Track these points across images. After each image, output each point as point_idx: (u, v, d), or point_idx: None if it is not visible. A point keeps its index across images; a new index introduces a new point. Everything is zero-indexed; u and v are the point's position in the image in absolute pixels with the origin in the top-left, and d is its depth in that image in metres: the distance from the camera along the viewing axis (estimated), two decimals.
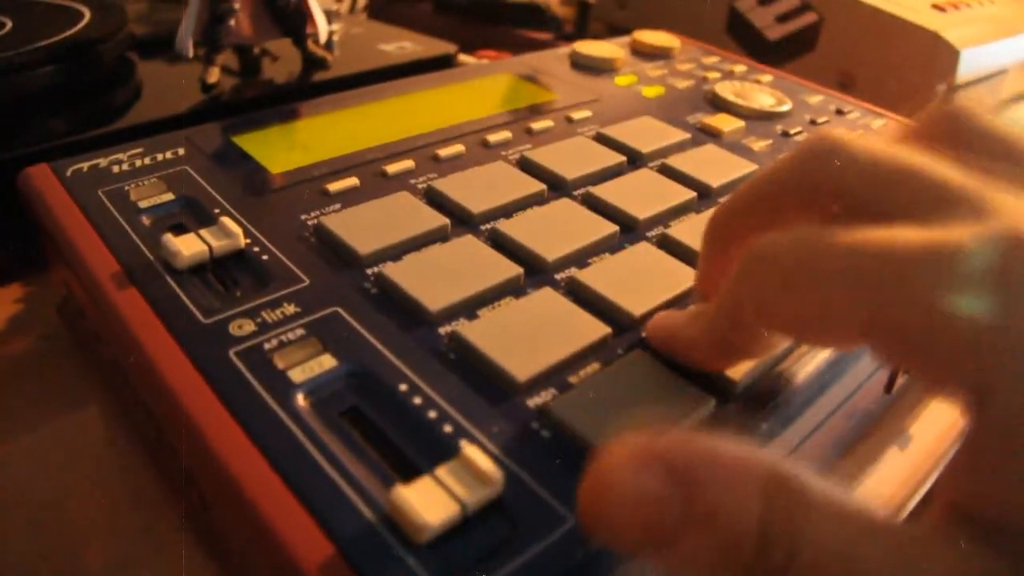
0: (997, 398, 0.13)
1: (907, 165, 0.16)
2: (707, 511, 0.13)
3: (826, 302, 0.15)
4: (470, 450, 0.17)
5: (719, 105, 0.37)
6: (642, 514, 0.13)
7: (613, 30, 0.61)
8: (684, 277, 0.23)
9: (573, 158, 0.30)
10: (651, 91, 0.39)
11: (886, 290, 0.14)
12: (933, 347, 0.14)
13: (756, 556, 0.13)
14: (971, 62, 0.46)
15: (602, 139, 0.32)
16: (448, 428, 0.18)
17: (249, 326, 0.21)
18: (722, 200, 0.21)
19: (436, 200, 0.27)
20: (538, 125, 0.33)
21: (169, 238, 0.23)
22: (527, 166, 0.30)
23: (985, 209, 0.14)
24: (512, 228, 0.25)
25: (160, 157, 0.29)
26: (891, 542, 0.13)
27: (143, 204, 0.26)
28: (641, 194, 0.28)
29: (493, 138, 0.32)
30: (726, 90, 0.38)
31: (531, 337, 0.21)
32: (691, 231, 0.26)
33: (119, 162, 0.28)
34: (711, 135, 0.34)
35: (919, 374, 0.15)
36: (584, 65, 0.41)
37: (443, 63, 0.45)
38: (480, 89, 0.37)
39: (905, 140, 0.17)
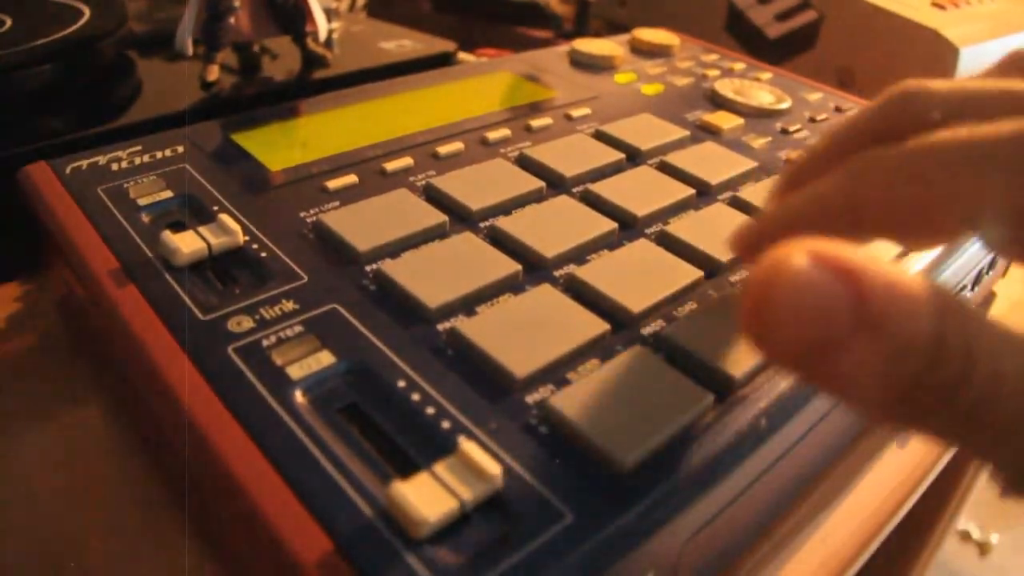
0: None
1: (982, 85, 0.16)
2: (878, 317, 0.13)
3: (935, 191, 0.15)
4: (468, 446, 0.17)
5: (718, 103, 0.37)
6: (811, 314, 0.13)
7: (613, 28, 0.61)
8: (683, 274, 0.23)
9: (572, 155, 0.30)
10: (650, 89, 0.39)
11: (1002, 172, 0.14)
12: None
13: (929, 366, 0.13)
14: (971, 60, 0.46)
15: (601, 136, 0.32)
16: (446, 424, 0.18)
17: (248, 323, 0.21)
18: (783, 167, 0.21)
19: (435, 197, 0.27)
20: (537, 122, 0.33)
21: (168, 235, 0.23)
22: (526, 163, 0.30)
23: None
24: (511, 225, 0.25)
25: (159, 155, 0.29)
26: None
27: (142, 202, 0.26)
28: (640, 191, 0.28)
29: (492, 136, 0.32)
30: (725, 88, 0.38)
31: (530, 334, 0.21)
32: (690, 228, 0.26)
33: (118, 160, 0.28)
34: (710, 132, 0.34)
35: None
36: (583, 63, 0.41)
37: (443, 61, 0.45)
38: (479, 87, 0.37)
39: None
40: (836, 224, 0.17)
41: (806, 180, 0.19)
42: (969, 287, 0.31)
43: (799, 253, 0.13)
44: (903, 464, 0.28)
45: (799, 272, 0.13)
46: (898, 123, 0.17)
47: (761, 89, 0.38)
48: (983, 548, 0.87)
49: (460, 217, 0.26)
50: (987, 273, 0.33)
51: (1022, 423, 0.13)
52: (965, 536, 0.87)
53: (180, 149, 0.29)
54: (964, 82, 0.17)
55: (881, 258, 0.13)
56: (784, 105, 0.37)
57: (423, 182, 0.28)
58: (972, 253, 0.29)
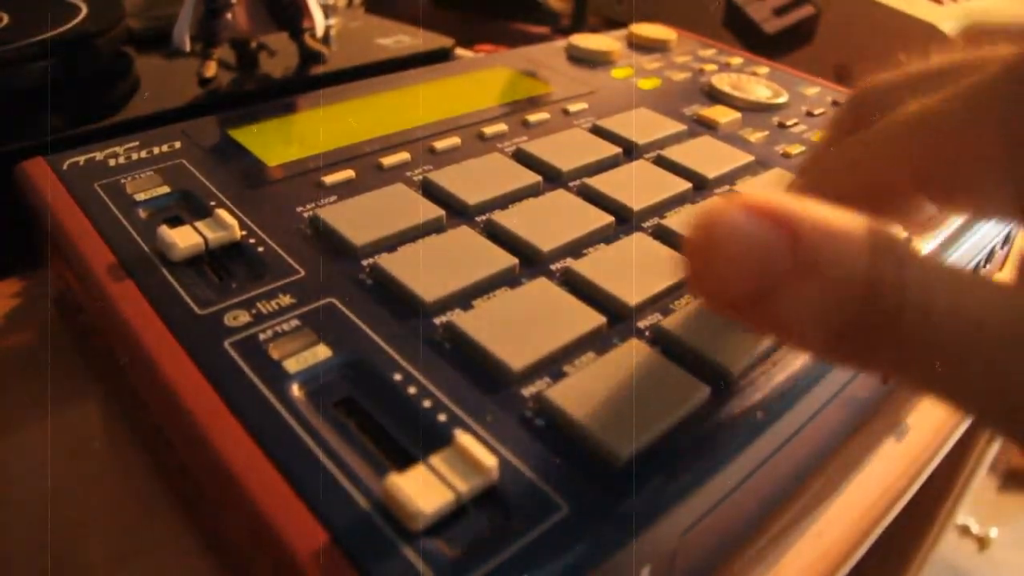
0: None
1: (925, 65, 0.18)
2: (814, 257, 0.13)
3: (886, 159, 0.17)
4: (464, 439, 0.17)
5: (715, 97, 0.37)
6: (749, 260, 0.13)
7: (610, 23, 0.61)
8: (679, 267, 0.23)
9: (569, 150, 0.30)
10: (647, 83, 0.39)
11: (932, 130, 0.15)
12: (976, 165, 0.15)
13: (863, 304, 0.13)
14: None
15: (598, 131, 0.32)
16: (442, 417, 0.18)
17: (244, 317, 0.21)
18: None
19: (432, 192, 0.27)
20: (534, 117, 0.33)
21: (165, 230, 0.23)
22: (523, 158, 0.30)
23: (1011, 48, 0.15)
24: (507, 219, 0.25)
25: (156, 150, 0.29)
26: (998, 293, 0.13)
27: (139, 197, 0.26)
28: (636, 185, 0.28)
29: (489, 130, 0.32)
30: (723, 82, 0.38)
31: (526, 327, 0.21)
32: (686, 222, 0.26)
33: (115, 155, 0.28)
34: (707, 127, 0.34)
35: (976, 205, 0.16)
36: (581, 58, 0.41)
37: (440, 57, 0.45)
38: (476, 82, 0.37)
39: None
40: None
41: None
42: (983, 262, 0.31)
43: (732, 204, 0.14)
44: (901, 458, 0.28)
45: (733, 221, 0.14)
46: (859, 118, 0.19)
47: (758, 84, 0.38)
48: (982, 542, 0.87)
49: (457, 211, 0.26)
50: (1000, 248, 0.33)
51: (956, 352, 0.13)
52: (964, 530, 0.87)
53: (177, 145, 0.29)
54: (908, 67, 0.18)
55: (816, 204, 0.14)
56: (781, 99, 0.37)
57: (420, 177, 0.28)
58: (985, 231, 0.29)
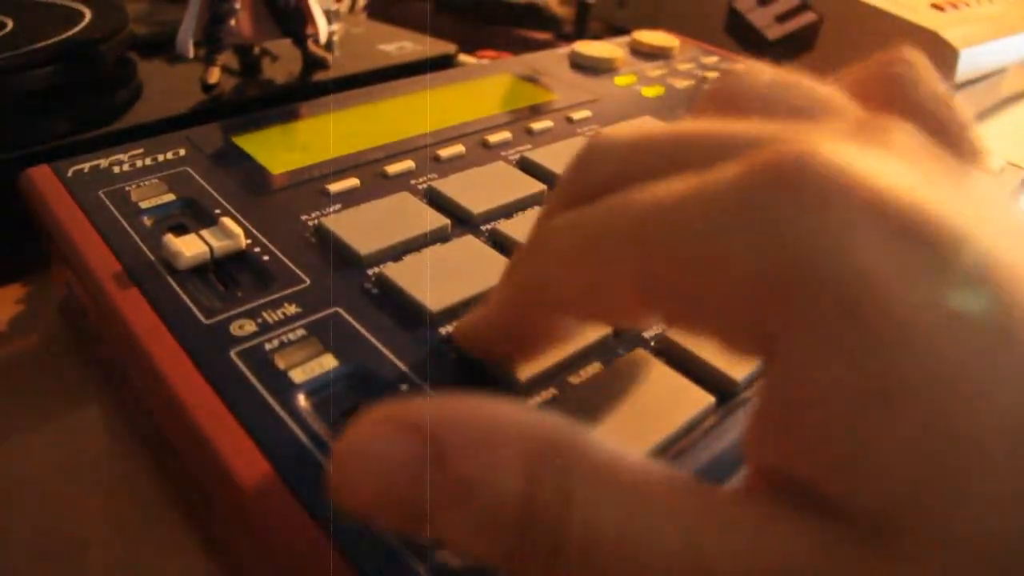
0: (782, 346, 0.11)
1: (667, 132, 0.15)
2: (461, 482, 0.11)
3: (601, 266, 0.14)
4: None
5: None
6: (392, 484, 0.12)
7: (613, 30, 0.61)
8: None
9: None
10: (651, 91, 0.39)
11: (651, 242, 0.12)
12: (706, 298, 0.12)
13: (517, 538, 0.11)
14: (970, 61, 0.46)
15: None
16: None
17: (250, 326, 0.21)
18: None
19: (436, 200, 0.27)
20: (538, 125, 0.33)
21: (170, 239, 0.23)
22: (527, 166, 0.30)
23: (759, 144, 0.12)
24: (512, 228, 0.25)
25: (161, 158, 0.29)
26: (676, 513, 0.11)
27: (144, 205, 0.26)
28: None
29: (493, 138, 0.32)
30: None
31: None
32: None
33: (120, 163, 0.28)
34: None
35: (705, 332, 0.13)
36: (584, 65, 0.41)
37: (443, 63, 0.45)
38: (480, 89, 0.37)
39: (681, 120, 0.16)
40: (536, 311, 0.16)
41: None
42: None
43: (377, 416, 0.12)
44: None
45: (373, 438, 0.12)
46: (584, 185, 0.16)
47: None
48: None
49: (462, 220, 0.26)
50: None
51: None
52: None
53: (182, 152, 0.29)
54: (645, 130, 0.15)
55: (472, 403, 0.12)
56: None
57: (424, 185, 0.28)
58: None
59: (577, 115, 0.35)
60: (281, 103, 0.34)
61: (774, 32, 0.53)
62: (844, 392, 0.10)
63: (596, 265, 0.14)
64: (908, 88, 0.15)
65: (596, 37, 0.49)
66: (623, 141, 0.15)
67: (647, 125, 0.16)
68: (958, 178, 0.12)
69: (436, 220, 0.25)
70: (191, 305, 0.21)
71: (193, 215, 0.26)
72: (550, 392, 0.19)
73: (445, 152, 0.30)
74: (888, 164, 0.11)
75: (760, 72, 0.16)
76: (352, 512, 0.12)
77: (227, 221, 0.24)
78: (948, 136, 0.15)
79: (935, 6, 0.49)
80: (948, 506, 0.10)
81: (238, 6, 0.36)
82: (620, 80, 0.40)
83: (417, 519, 0.12)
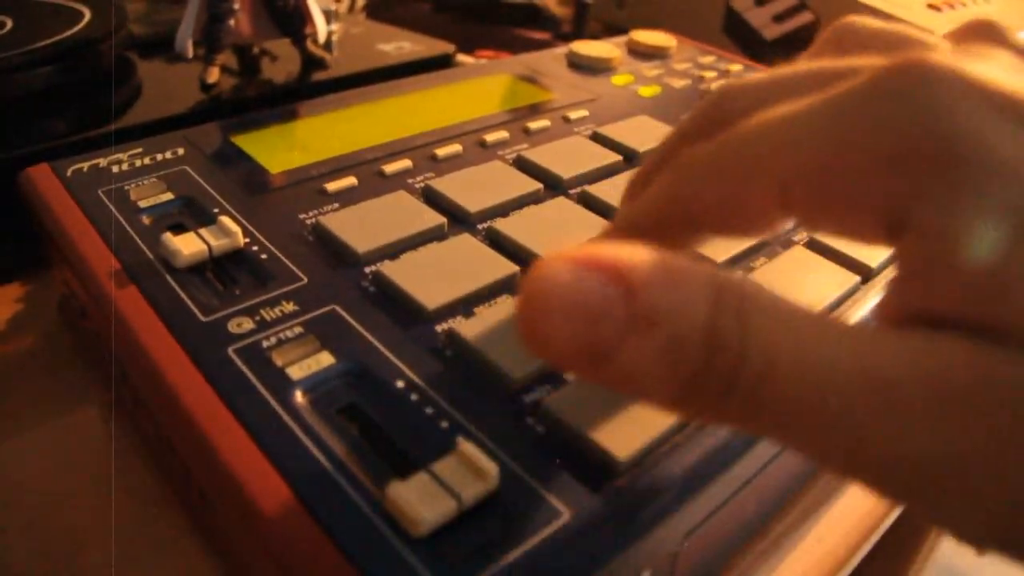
0: (916, 213, 0.13)
1: (792, 69, 0.17)
2: (650, 312, 0.12)
3: (745, 175, 0.15)
4: (466, 446, 0.17)
5: None
6: (582, 319, 0.13)
7: (610, 29, 0.61)
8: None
9: (570, 157, 0.30)
10: (648, 91, 0.39)
11: (791, 142, 0.14)
12: (843, 185, 0.14)
13: (703, 360, 0.13)
14: None
15: (598, 138, 0.33)
16: (444, 424, 0.18)
17: (248, 324, 0.21)
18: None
19: (434, 199, 0.27)
20: (535, 125, 0.33)
21: (169, 237, 0.23)
22: (524, 165, 0.30)
23: (882, 59, 0.14)
24: (509, 227, 0.25)
25: (160, 157, 0.29)
26: (845, 341, 0.13)
27: (143, 204, 0.26)
28: None
29: (490, 138, 0.32)
30: None
31: None
32: None
33: (119, 162, 0.28)
34: None
35: (840, 222, 0.15)
36: (581, 65, 0.41)
37: (442, 63, 0.45)
38: (478, 89, 0.38)
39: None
40: (671, 228, 0.17)
41: (642, 190, 0.18)
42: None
43: (560, 260, 0.13)
44: None
45: (559, 278, 0.13)
46: (716, 120, 0.17)
47: None
48: None
49: (458, 219, 0.26)
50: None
51: (803, 408, 0.12)
52: None
53: (180, 151, 0.29)
54: (774, 70, 0.17)
55: (655, 250, 0.13)
56: None
57: (422, 184, 0.28)
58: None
59: (574, 114, 0.35)
60: (280, 103, 0.35)
61: (772, 32, 0.53)
62: (984, 231, 0.12)
63: (740, 175, 0.15)
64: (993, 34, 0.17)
65: (594, 37, 0.49)
66: (753, 80, 0.17)
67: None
68: None
69: (433, 219, 0.25)
70: (189, 303, 0.22)
71: (192, 214, 0.26)
72: (545, 389, 0.19)
73: (442, 151, 0.30)
74: (993, 68, 0.13)
75: (865, 20, 0.18)
76: (540, 350, 0.13)
77: (225, 220, 0.24)
78: None
79: (931, 6, 0.49)
80: None
81: (237, 6, 0.36)
82: (617, 80, 0.40)
83: (603, 353, 0.13)
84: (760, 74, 0.17)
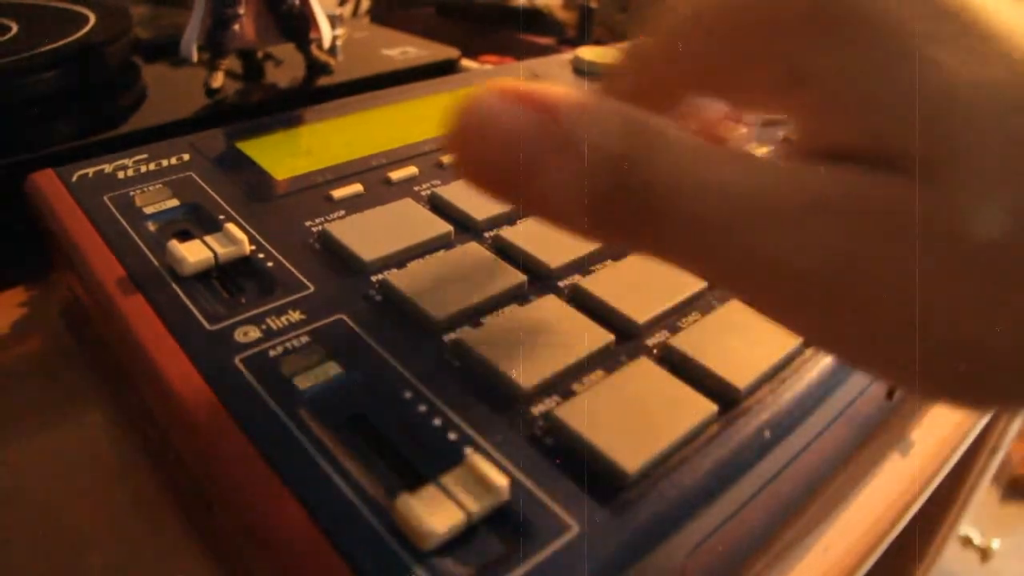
0: (820, 65, 0.14)
1: None
2: (570, 137, 0.14)
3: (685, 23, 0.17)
4: (475, 458, 0.17)
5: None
6: (509, 142, 0.14)
7: (615, 35, 0.61)
8: (687, 284, 0.24)
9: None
10: None
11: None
12: (759, 31, 0.15)
13: (616, 181, 0.14)
14: None
15: None
16: (453, 435, 0.18)
17: (254, 333, 0.21)
18: None
19: (440, 207, 0.27)
20: None
21: (175, 245, 0.23)
22: None
23: None
24: (516, 235, 0.25)
25: (165, 163, 0.29)
26: (742, 166, 0.14)
27: (148, 210, 0.26)
28: None
29: None
30: None
31: (535, 344, 0.21)
32: None
33: (124, 168, 0.28)
34: (715, 142, 0.34)
35: (749, 75, 0.16)
36: (587, 71, 0.41)
37: (446, 68, 0.45)
38: None
39: None
40: (649, 86, 0.18)
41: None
42: None
43: (492, 91, 0.14)
44: (905, 473, 0.28)
45: (490, 106, 0.14)
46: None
47: None
48: (984, 554, 0.87)
49: (465, 227, 0.26)
50: None
51: (706, 225, 0.14)
52: (966, 541, 0.87)
53: (186, 157, 0.29)
54: None
55: (574, 88, 0.15)
56: None
57: (428, 192, 0.28)
58: None
59: None
60: (285, 108, 0.35)
61: None
62: (865, 74, 0.14)
63: (681, 27, 0.17)
64: None
65: (599, 42, 0.49)
66: None
67: None
68: None
69: (439, 227, 0.25)
70: (195, 311, 0.21)
71: (197, 221, 0.26)
72: (554, 400, 0.19)
73: (449, 158, 0.30)
74: None
75: None
76: (470, 171, 0.15)
77: (231, 227, 0.24)
78: None
79: None
80: (967, 145, 0.13)
81: (242, 10, 0.36)
82: None
83: (527, 177, 0.14)
84: None
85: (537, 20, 0.64)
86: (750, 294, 0.15)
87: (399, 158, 0.30)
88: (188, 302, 0.22)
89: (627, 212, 0.14)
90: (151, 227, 0.25)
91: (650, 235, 0.15)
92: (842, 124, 0.14)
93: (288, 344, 0.20)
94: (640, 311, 0.22)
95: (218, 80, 0.37)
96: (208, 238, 0.24)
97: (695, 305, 0.23)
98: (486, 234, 0.26)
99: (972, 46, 0.13)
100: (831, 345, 0.15)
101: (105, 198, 0.26)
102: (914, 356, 0.13)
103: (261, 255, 0.24)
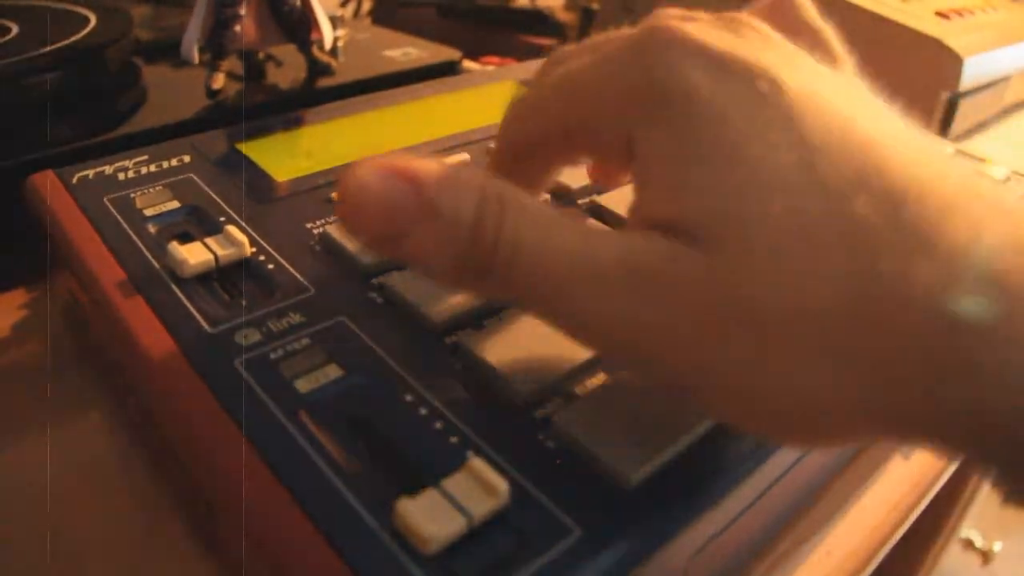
0: (639, 138, 0.17)
1: (597, 35, 0.21)
2: (432, 206, 0.16)
3: (542, 107, 0.20)
4: (476, 461, 0.17)
5: None
6: (384, 208, 0.16)
7: None
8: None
9: (579, 167, 0.30)
10: None
11: (576, 82, 0.19)
12: (593, 112, 0.18)
13: (468, 246, 0.16)
14: (975, 70, 0.46)
15: None
16: (454, 439, 0.18)
17: (255, 335, 0.21)
18: None
19: None
20: None
21: (175, 247, 0.23)
22: None
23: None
24: None
25: (165, 164, 0.29)
26: (578, 235, 0.16)
27: (149, 212, 0.26)
28: None
29: None
30: None
31: (536, 348, 0.21)
32: None
33: (124, 169, 0.28)
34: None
35: (594, 147, 0.20)
36: None
37: (448, 69, 0.45)
38: (485, 97, 0.37)
39: None
40: (513, 160, 0.21)
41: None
42: None
43: (369, 165, 0.16)
44: (907, 476, 0.28)
45: (365, 180, 0.16)
46: (544, 73, 0.22)
47: None
48: (986, 556, 0.87)
49: None
50: None
51: (545, 286, 0.16)
52: (968, 544, 0.86)
53: (186, 159, 0.29)
54: (591, 37, 0.21)
55: (441, 160, 0.18)
56: None
57: None
58: None
59: None
60: (286, 109, 0.34)
61: None
62: (676, 154, 0.16)
63: (541, 111, 0.20)
64: (790, 11, 0.21)
65: None
66: (572, 44, 0.22)
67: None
68: (786, 50, 0.17)
69: None
70: (195, 314, 0.21)
71: (198, 222, 0.26)
72: (555, 404, 0.19)
73: (450, 159, 0.30)
74: (724, 36, 0.17)
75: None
76: (357, 236, 0.17)
77: (232, 229, 0.24)
78: (820, 46, 0.21)
79: (940, 14, 0.49)
80: (746, 220, 0.15)
81: (243, 11, 0.36)
82: None
83: (399, 235, 0.16)
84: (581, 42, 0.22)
85: (538, 21, 0.64)
86: (582, 341, 0.17)
87: None
88: (188, 304, 0.22)
89: (481, 271, 0.16)
90: (151, 229, 0.25)
91: (501, 290, 0.17)
92: (659, 198, 0.17)
93: (289, 347, 0.20)
94: None
95: (219, 81, 0.37)
96: (209, 240, 0.24)
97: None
98: None
99: (778, 137, 0.15)
100: (643, 379, 0.19)
101: (105, 200, 0.26)
102: (715, 400, 0.16)
103: (262, 257, 0.24)
